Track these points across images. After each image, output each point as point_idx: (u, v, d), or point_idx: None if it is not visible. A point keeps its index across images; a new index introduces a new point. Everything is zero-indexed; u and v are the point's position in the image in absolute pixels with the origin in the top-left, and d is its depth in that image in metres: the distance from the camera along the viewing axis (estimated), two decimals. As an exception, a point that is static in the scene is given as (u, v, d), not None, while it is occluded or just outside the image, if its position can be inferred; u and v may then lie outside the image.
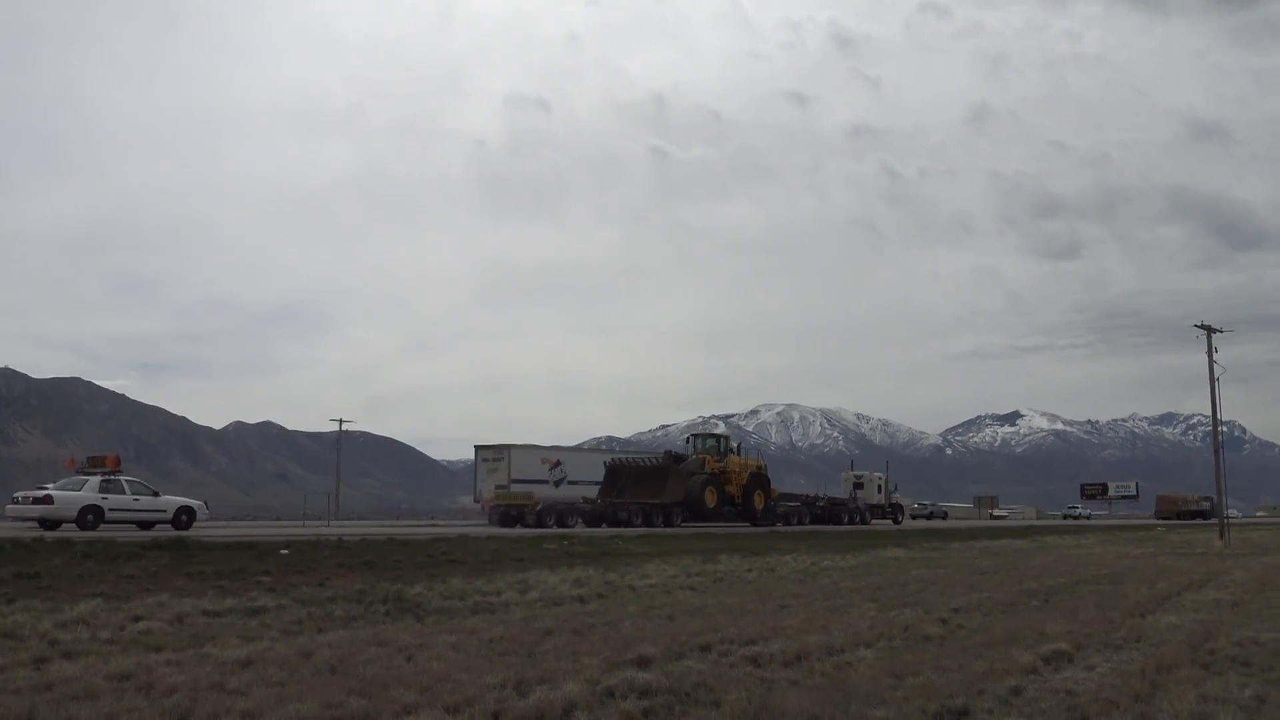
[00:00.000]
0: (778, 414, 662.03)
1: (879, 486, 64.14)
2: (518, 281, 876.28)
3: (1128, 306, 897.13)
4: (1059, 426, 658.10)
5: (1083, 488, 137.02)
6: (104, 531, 26.35)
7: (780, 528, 46.97)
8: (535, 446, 55.48)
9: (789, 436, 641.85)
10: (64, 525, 27.72)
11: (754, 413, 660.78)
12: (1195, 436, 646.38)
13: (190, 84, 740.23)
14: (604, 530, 37.63)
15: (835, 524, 53.44)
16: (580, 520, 43.17)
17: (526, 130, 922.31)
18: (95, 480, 29.35)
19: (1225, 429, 38.90)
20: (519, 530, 35.48)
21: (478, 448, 53.78)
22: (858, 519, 57.06)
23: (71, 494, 28.48)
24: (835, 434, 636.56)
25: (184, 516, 30.10)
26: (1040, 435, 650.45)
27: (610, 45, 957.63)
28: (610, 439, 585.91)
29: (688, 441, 54.67)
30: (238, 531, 30.35)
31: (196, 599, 12.09)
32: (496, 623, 11.12)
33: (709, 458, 50.85)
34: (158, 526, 28.78)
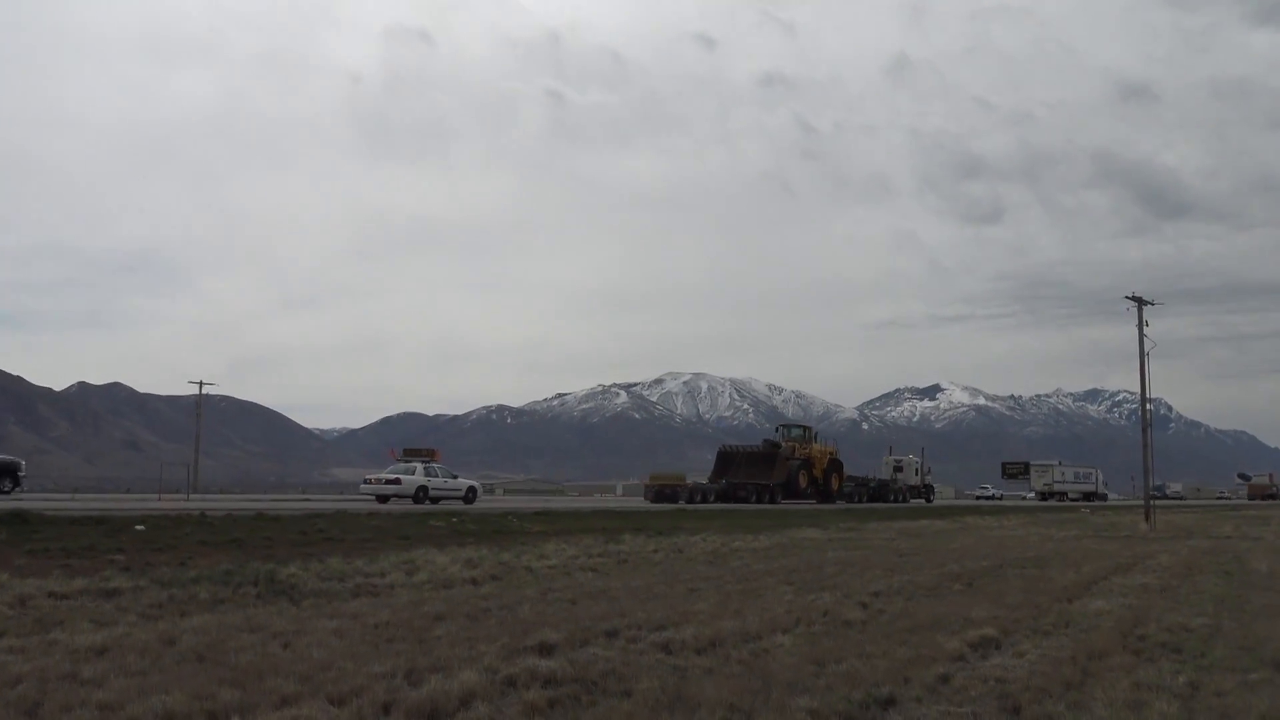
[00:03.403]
0: (684, 384, 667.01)
1: (916, 469, 78.63)
2: (398, 233, 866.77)
3: (1052, 275, 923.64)
4: (980, 401, 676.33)
5: (1004, 466, 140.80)
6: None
7: (846, 505, 57.83)
8: None
9: (695, 408, 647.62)
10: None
11: (659, 382, 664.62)
12: (1121, 414, 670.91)
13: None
14: (496, 506, 38.01)
15: (884, 502, 66.23)
16: (713, 497, 55.34)
17: (408, 66, 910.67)
18: None
19: (1151, 407, 40.35)
20: (404, 506, 35.54)
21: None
22: (900, 498, 70.70)
23: None
24: (745, 406, 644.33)
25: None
26: (961, 410, 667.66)
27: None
28: (502, 408, 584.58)
29: (777, 431, 67.34)
30: (83, 505, 29.48)
31: (41, 579, 11.72)
32: (381, 606, 11.00)
33: (797, 445, 63.98)
34: None
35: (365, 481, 42.44)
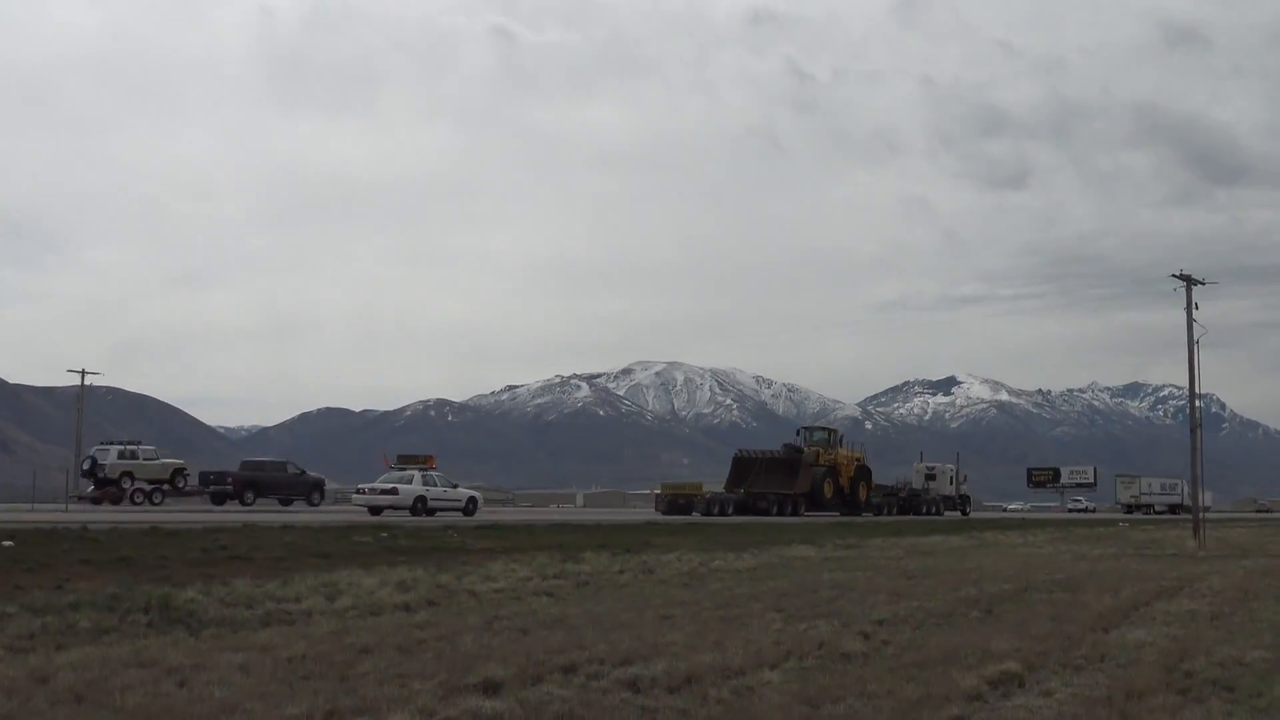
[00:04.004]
0: (656, 375, 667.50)
1: (950, 478, 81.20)
2: (317, 196, 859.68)
3: (1086, 250, 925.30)
4: (1003, 397, 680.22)
5: (1030, 473, 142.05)
6: None
7: (874, 518, 61.28)
8: None
9: (670, 403, 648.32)
10: None
11: (627, 373, 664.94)
12: (1166, 412, 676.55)
13: None
14: (437, 520, 37.99)
15: (915, 514, 69.50)
16: (731, 509, 58.23)
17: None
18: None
19: (1201, 404, 40.68)
20: (320, 517, 35.46)
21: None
22: (933, 510, 74.05)
23: None
24: (729, 401, 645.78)
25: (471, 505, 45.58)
26: (980, 407, 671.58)
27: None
28: (442, 404, 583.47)
29: (798, 434, 70.50)
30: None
31: (-113, 605, 11.60)
32: (297, 637, 10.96)
33: (821, 450, 67.15)
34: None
35: (358, 492, 45.65)
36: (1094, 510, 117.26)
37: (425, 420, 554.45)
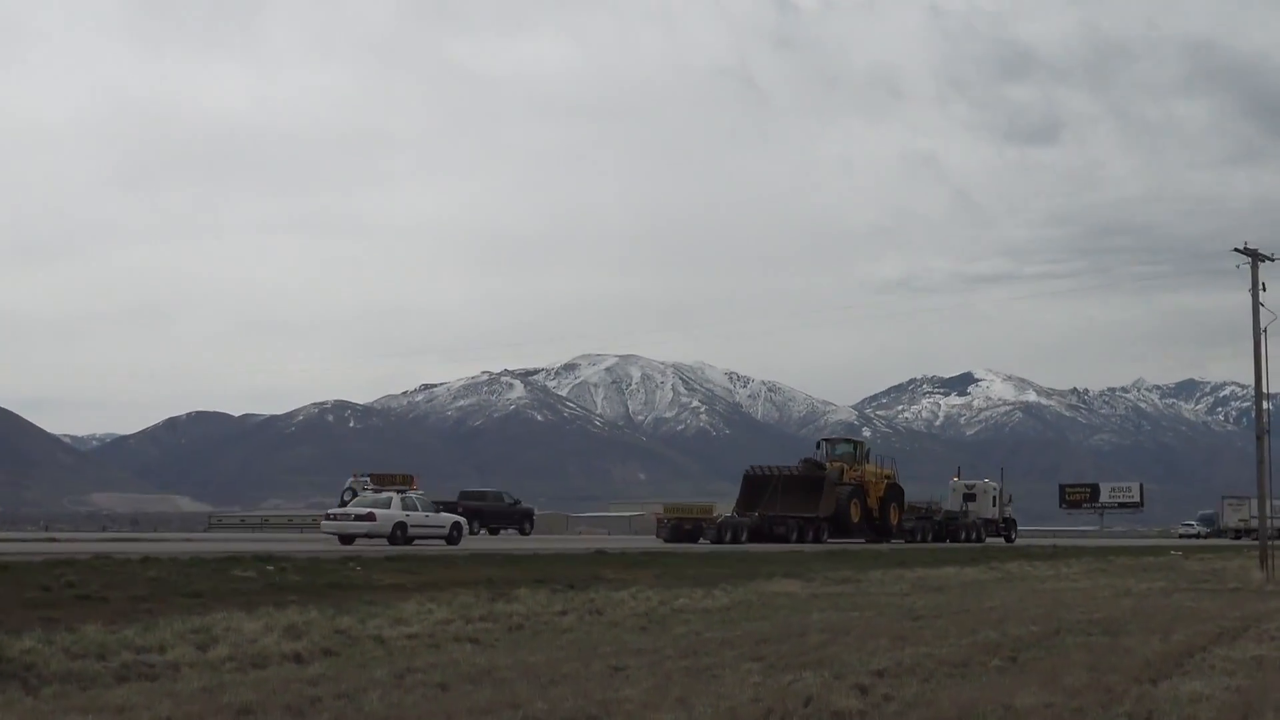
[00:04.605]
0: (607, 371, 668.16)
1: (993, 498, 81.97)
2: (183, 150, 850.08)
3: (1130, 218, 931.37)
4: (1030, 397, 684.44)
5: (1063, 490, 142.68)
6: None
7: (905, 544, 64.00)
8: None
9: (624, 405, 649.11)
10: None
11: (570, 368, 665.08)
12: (1226, 415, 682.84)
13: None
14: (335, 551, 37.61)
15: (954, 541, 71.88)
16: (745, 535, 60.51)
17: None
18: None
19: (1270, 406, 40.90)
20: (189, 547, 35.22)
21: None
22: (973, 535, 75.80)
23: None
24: (695, 403, 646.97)
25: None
26: (1002, 410, 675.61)
27: None
28: (342, 406, 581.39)
29: (819, 447, 72.11)
30: None
31: None
32: (160, 696, 10.89)
33: (845, 466, 68.58)
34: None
35: (328, 517, 47.68)
36: (1206, 535, 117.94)
37: (321, 427, 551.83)
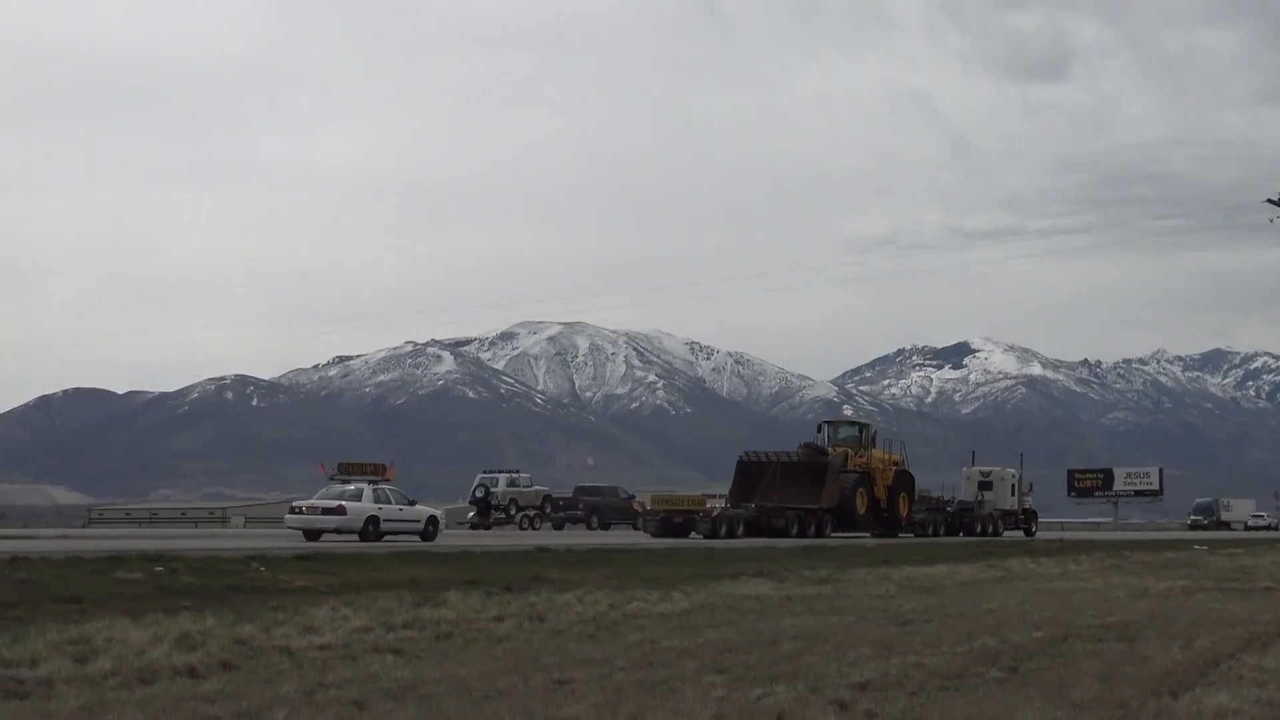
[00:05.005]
0: (550, 341, 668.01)
1: (1012, 487, 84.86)
2: (57, 84, 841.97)
3: (1149, 165, 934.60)
4: (1034, 370, 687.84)
5: (1071, 476, 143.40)
6: None
7: (915, 539, 66.92)
8: None
9: (569, 380, 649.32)
10: None
11: (507, 338, 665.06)
12: (1259, 390, 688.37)
13: None
14: (233, 548, 37.22)
15: (969, 535, 74.77)
16: (742, 528, 62.52)
17: None
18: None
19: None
20: (65, 545, 35.10)
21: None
22: (989, 528, 78.23)
23: None
24: (652, 377, 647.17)
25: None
26: (1003, 385, 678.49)
27: None
28: (243, 382, 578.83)
29: (820, 430, 74.10)
30: None
31: None
32: (33, 717, 10.87)
33: (850, 452, 70.60)
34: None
35: (292, 511, 49.25)
36: (1276, 527, 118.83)
37: (220, 405, 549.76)
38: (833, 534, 64.42)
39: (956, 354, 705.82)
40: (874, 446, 73.72)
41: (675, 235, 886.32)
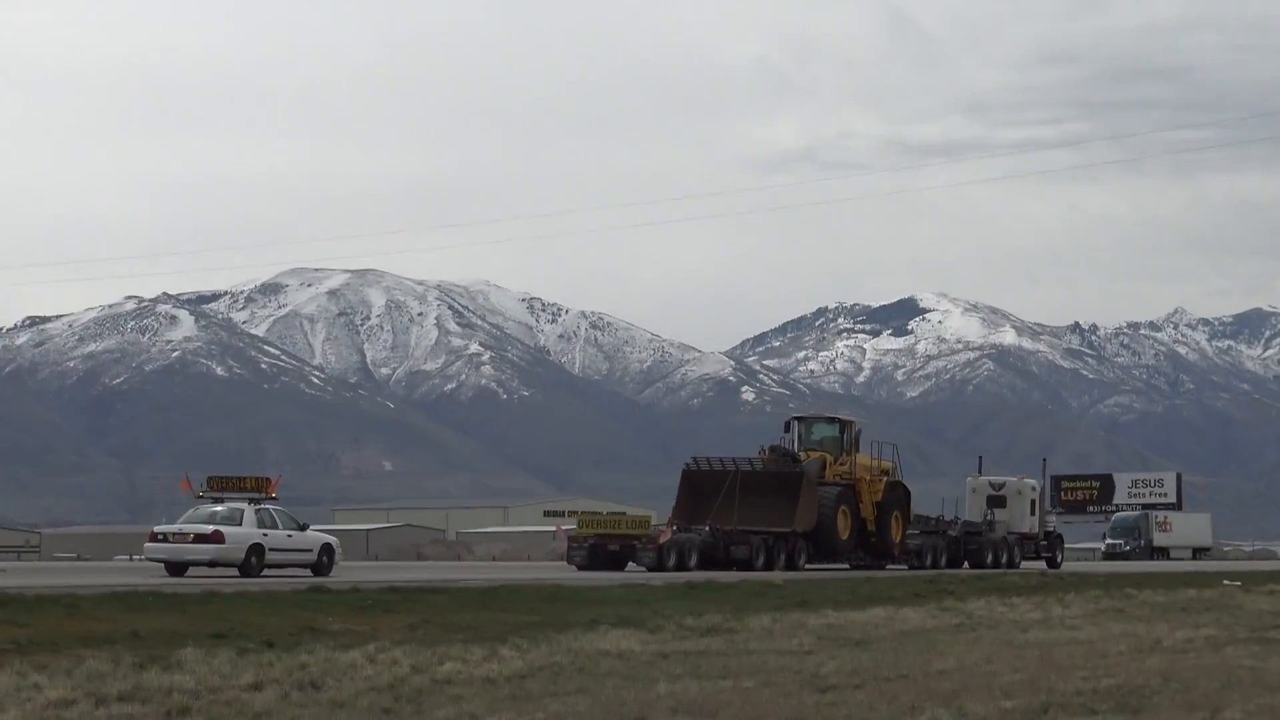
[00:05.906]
0: (330, 296, 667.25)
1: (1032, 504, 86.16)
2: None
3: (1160, 56, 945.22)
4: (1007, 339, 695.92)
5: (1058, 484, 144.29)
6: None
7: (906, 571, 69.30)
8: None
9: (358, 352, 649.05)
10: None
11: (271, 291, 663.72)
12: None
13: None
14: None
15: (977, 566, 77.53)
16: (695, 558, 64.90)
17: None
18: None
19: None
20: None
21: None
22: (1003, 557, 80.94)
23: None
24: (474, 346, 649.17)
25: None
26: (963, 357, 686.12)
27: None
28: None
29: (788, 428, 76.25)
30: None
31: None
32: None
33: (828, 457, 72.48)
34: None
35: (154, 538, 51.10)
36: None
37: None
38: (808, 565, 66.23)
39: (899, 315, 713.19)
40: (858, 450, 74.73)
41: (505, 151, 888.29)
